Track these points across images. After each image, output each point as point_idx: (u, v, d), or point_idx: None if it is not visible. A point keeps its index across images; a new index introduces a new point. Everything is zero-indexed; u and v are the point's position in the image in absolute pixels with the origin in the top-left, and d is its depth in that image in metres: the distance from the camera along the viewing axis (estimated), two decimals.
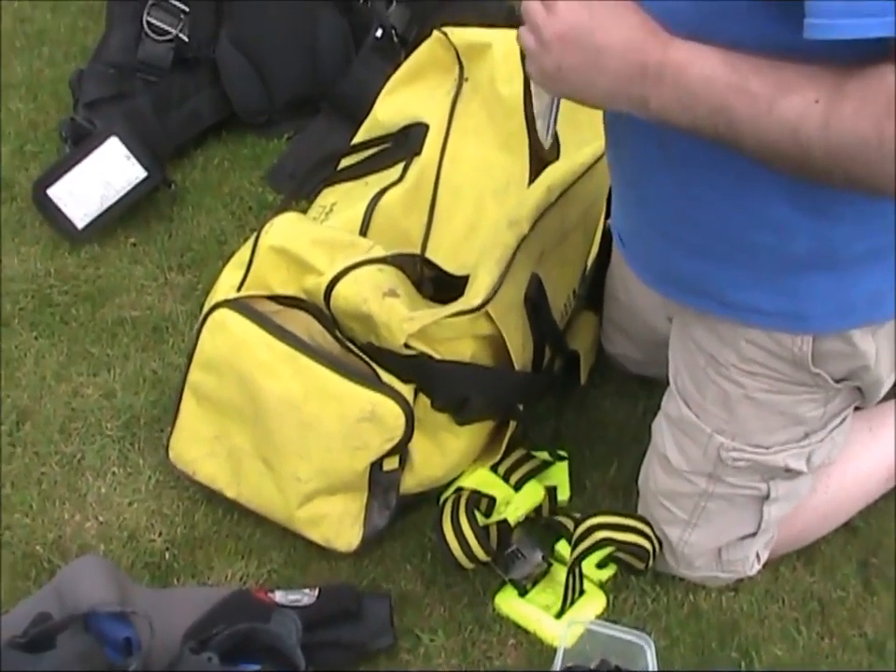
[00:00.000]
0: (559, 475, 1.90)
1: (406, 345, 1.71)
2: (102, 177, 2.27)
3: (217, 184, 2.41)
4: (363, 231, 1.89)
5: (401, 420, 1.71)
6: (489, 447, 1.90)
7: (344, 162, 2.05)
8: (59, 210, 2.27)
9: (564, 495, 1.88)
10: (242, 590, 1.74)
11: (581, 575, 1.75)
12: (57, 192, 2.27)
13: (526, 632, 1.74)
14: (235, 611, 1.64)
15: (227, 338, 1.77)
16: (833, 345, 1.53)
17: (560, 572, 1.76)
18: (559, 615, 1.73)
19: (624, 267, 1.81)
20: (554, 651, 1.62)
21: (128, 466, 1.93)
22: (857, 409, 1.71)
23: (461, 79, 1.96)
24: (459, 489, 1.82)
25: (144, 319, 2.15)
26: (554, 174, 1.85)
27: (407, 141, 1.95)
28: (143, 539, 1.84)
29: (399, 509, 1.82)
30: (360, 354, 1.74)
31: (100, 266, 2.25)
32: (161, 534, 1.85)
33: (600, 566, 1.78)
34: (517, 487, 1.86)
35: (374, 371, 1.72)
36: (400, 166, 1.95)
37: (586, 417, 2.01)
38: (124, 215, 2.29)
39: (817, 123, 1.19)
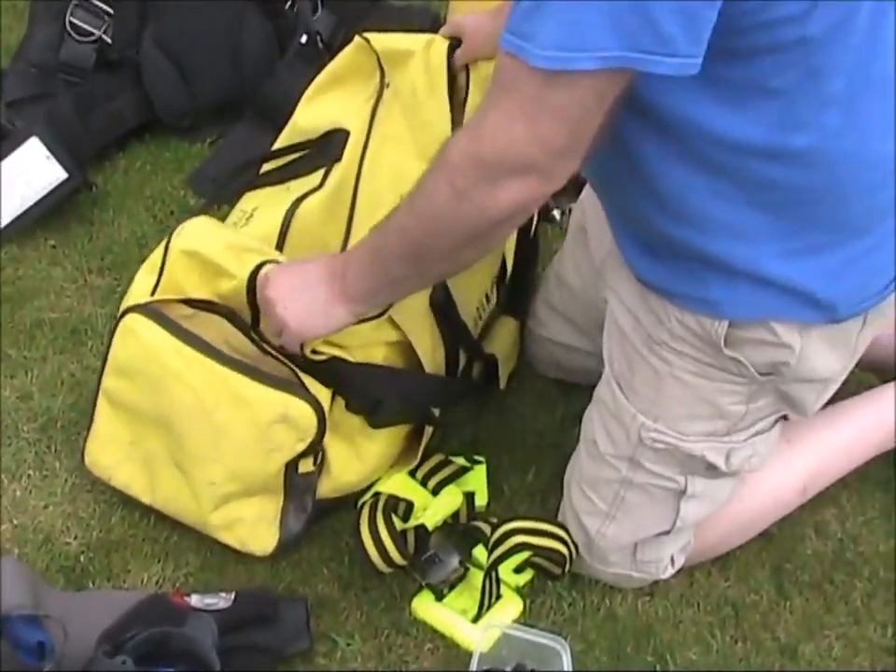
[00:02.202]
0: (477, 480, 1.90)
1: (314, 351, 1.72)
2: (22, 178, 2.25)
3: (139, 187, 2.40)
4: (281, 238, 1.87)
5: (313, 421, 1.70)
6: (406, 452, 1.90)
7: (267, 167, 2.04)
8: None
9: (482, 500, 1.89)
10: (157, 593, 1.73)
11: (498, 580, 1.76)
12: None
13: (443, 636, 1.74)
14: (150, 615, 1.63)
15: (137, 344, 1.76)
16: (753, 332, 1.56)
17: (477, 577, 1.77)
18: (476, 619, 1.74)
19: (578, 251, 1.88)
20: (471, 655, 1.63)
21: (44, 469, 1.92)
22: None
23: (382, 86, 1.94)
24: (377, 494, 1.82)
25: (63, 322, 2.13)
26: None
27: (328, 147, 1.94)
28: (58, 543, 1.83)
29: (317, 514, 1.82)
30: (278, 356, 1.74)
31: (19, 267, 2.23)
32: (76, 537, 1.83)
33: (517, 570, 1.78)
34: (435, 492, 1.86)
35: (294, 371, 1.72)
36: (321, 172, 1.93)
37: (504, 423, 2.01)
38: (44, 216, 2.27)
39: (407, 211, 1.50)
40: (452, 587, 1.77)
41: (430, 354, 1.83)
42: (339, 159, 1.89)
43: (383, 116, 1.91)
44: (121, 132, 2.46)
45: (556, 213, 2.28)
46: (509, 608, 1.76)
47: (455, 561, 1.78)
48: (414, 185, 1.49)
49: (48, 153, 2.25)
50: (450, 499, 1.85)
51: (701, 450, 1.67)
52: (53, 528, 1.84)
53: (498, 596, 1.76)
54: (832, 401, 1.78)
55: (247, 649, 1.66)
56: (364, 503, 1.79)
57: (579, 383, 1.96)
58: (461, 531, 1.85)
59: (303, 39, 2.44)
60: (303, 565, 1.81)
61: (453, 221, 1.44)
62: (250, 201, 1.98)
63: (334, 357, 1.73)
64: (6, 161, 2.25)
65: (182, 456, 1.76)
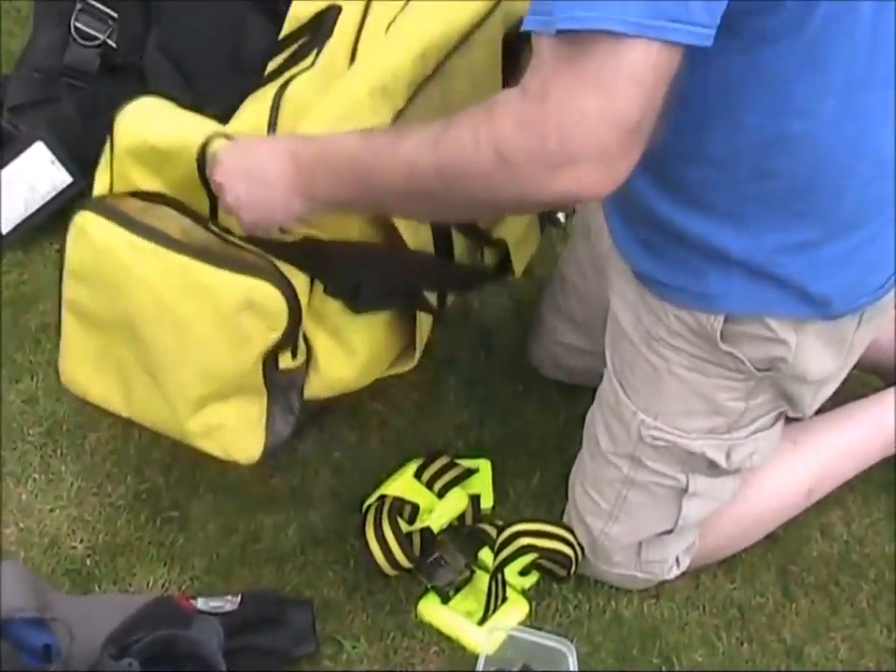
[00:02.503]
0: (482, 483, 1.90)
1: (283, 231, 1.57)
2: (26, 182, 2.25)
3: None
4: (272, 122, 1.70)
5: (282, 305, 1.55)
6: (406, 350, 1.77)
7: (269, 68, 1.90)
8: None
9: (487, 503, 1.89)
10: (163, 596, 1.74)
11: (504, 582, 1.76)
12: None
13: (449, 639, 1.75)
14: (156, 618, 1.63)
15: (90, 244, 1.63)
16: (748, 327, 1.56)
17: (483, 579, 1.77)
18: (481, 622, 1.74)
19: (582, 248, 1.88)
20: (477, 657, 1.63)
21: (50, 472, 1.92)
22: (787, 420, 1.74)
23: None
24: (383, 496, 1.82)
25: None
26: (428, 37, 1.67)
27: (320, 28, 1.79)
28: (64, 546, 1.83)
29: (307, 416, 1.70)
30: (239, 242, 1.60)
31: (24, 272, 2.23)
32: (82, 540, 1.84)
33: (523, 573, 1.79)
34: (440, 495, 1.86)
35: (262, 256, 1.58)
36: (313, 54, 1.79)
37: (509, 426, 2.02)
38: (49, 220, 2.27)
39: (428, 149, 1.31)
40: (457, 590, 1.78)
41: (413, 230, 1.65)
42: (330, 35, 1.80)
43: None
44: None
45: (560, 215, 2.28)
46: (514, 610, 1.77)
47: (460, 563, 1.78)
48: (443, 126, 1.31)
49: (52, 157, 2.25)
50: (455, 502, 1.85)
51: (701, 447, 1.67)
52: (59, 532, 1.84)
53: (504, 599, 1.76)
54: (836, 404, 1.79)
55: (253, 651, 1.66)
56: (370, 506, 1.79)
57: (581, 386, 1.95)
58: (467, 533, 1.85)
59: None
60: (309, 568, 1.82)
61: (484, 186, 1.28)
62: (248, 102, 1.82)
63: (306, 237, 1.58)
64: (10, 166, 2.25)
65: (150, 361, 1.64)
